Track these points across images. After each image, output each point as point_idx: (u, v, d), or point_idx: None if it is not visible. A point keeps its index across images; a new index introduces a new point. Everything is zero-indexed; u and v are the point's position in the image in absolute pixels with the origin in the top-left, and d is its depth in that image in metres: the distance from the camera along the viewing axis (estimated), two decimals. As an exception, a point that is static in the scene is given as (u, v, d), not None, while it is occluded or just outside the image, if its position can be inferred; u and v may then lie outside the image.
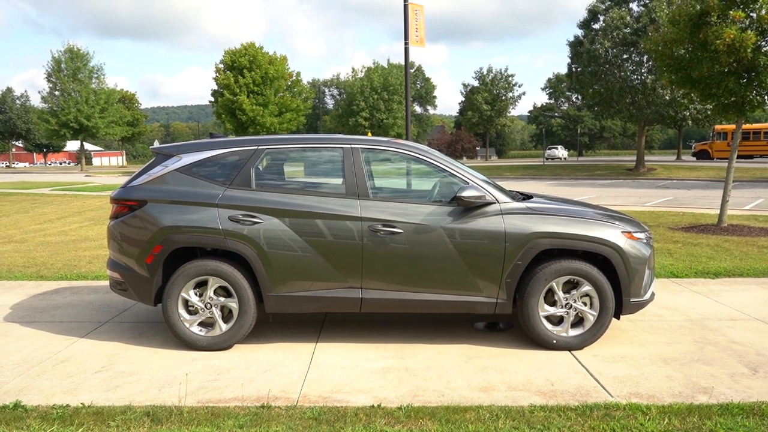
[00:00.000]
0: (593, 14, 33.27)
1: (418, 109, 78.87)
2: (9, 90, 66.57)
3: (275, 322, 5.15)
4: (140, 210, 4.55)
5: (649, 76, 30.00)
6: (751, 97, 10.01)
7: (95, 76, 50.26)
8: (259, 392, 3.75)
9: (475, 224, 4.39)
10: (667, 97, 29.35)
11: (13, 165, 73.27)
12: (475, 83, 68.05)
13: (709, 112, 29.36)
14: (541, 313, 4.45)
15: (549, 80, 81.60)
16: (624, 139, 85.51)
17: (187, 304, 4.52)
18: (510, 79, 66.22)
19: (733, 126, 16.17)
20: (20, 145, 75.97)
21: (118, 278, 4.71)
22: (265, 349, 4.57)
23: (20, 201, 18.38)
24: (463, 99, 70.99)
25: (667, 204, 16.41)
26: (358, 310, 4.50)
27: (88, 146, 73.29)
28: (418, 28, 12.91)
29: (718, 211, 11.19)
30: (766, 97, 10.13)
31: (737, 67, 9.67)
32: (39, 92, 76.39)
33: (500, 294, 4.43)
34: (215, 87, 47.01)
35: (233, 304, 4.48)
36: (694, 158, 42.97)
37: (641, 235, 4.59)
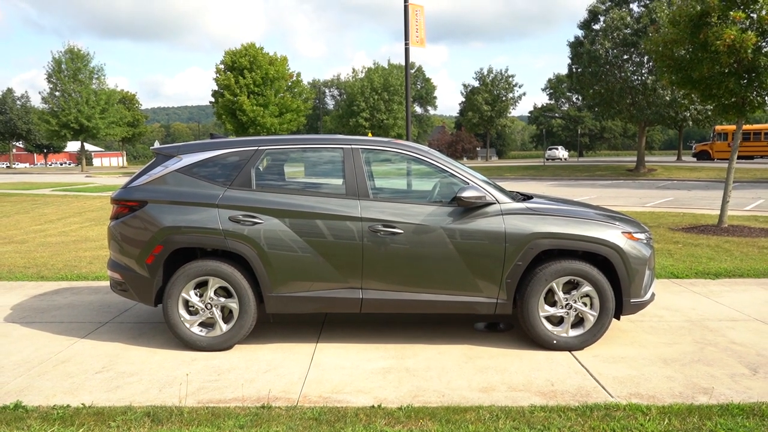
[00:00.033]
0: (593, 15, 33.28)
1: (418, 109, 78.91)
2: (9, 90, 66.62)
3: (275, 323, 5.15)
4: (141, 210, 4.55)
5: (650, 77, 29.99)
6: (751, 97, 10.01)
7: (96, 76, 50.38)
8: (259, 392, 3.75)
9: (476, 225, 4.40)
10: (668, 98, 29.35)
11: (13, 166, 73.30)
12: (476, 84, 68.08)
13: (709, 113, 29.39)
14: (542, 314, 4.45)
15: (549, 81, 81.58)
16: (624, 139, 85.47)
17: (187, 304, 4.53)
18: (510, 79, 66.22)
19: (734, 127, 16.19)
20: (21, 145, 76.00)
21: (118, 279, 4.72)
22: (266, 349, 4.57)
23: (21, 201, 18.39)
24: (464, 99, 70.95)
25: (667, 204, 16.40)
26: (358, 310, 4.50)
27: (88, 147, 73.27)
28: (418, 28, 12.91)
29: (718, 212, 11.19)
30: (766, 98, 10.12)
31: (737, 67, 9.67)
32: (39, 93, 76.40)
33: (500, 294, 4.43)
34: (216, 87, 47.04)
35: (234, 305, 4.49)
36: (695, 159, 42.95)
37: (641, 236, 4.60)
